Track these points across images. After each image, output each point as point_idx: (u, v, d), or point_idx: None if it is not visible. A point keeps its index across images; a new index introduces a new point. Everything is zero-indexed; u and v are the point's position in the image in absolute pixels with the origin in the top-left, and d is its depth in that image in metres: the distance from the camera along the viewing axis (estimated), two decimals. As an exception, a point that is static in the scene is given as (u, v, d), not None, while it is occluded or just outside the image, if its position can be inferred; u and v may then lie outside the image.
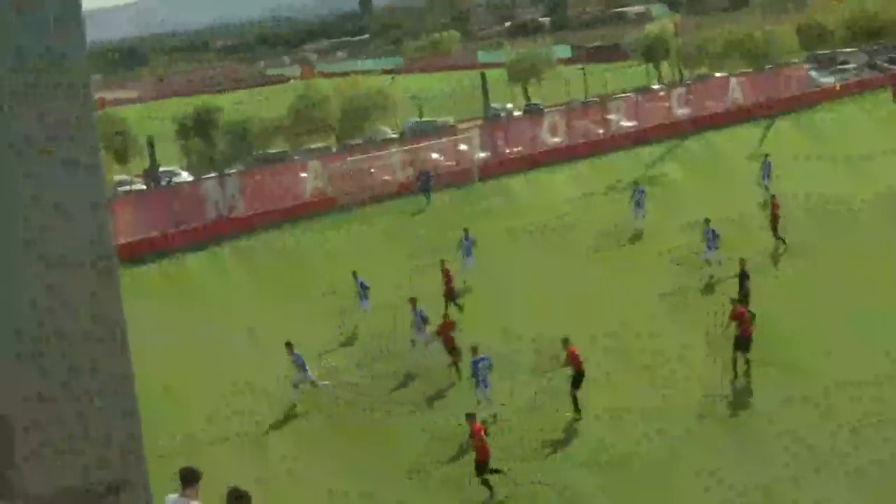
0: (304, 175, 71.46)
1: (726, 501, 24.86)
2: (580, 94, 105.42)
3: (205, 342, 41.08)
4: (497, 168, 74.56)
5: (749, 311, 36.05)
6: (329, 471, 28.64)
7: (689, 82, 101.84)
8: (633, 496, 26.27)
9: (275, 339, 36.92)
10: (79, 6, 2.92)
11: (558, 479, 27.31)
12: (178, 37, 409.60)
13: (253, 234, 62.65)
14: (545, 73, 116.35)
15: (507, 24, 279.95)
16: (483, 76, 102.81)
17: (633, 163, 69.84)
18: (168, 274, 56.28)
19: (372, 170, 72.49)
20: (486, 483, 27.17)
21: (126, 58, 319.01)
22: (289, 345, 35.00)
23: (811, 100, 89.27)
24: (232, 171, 77.59)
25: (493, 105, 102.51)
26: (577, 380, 30.60)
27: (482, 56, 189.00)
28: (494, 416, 31.41)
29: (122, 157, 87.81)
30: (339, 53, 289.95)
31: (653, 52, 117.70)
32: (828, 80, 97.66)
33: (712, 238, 42.45)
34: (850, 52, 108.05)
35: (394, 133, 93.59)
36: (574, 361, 30.57)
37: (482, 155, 77.09)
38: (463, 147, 77.32)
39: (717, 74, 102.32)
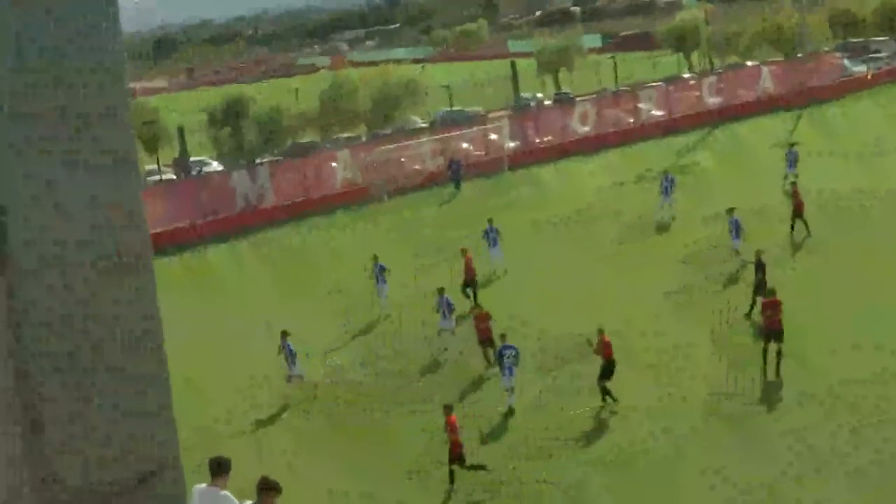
0: (334, 165, 71.50)
1: (731, 500, 24.77)
2: (610, 83, 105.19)
3: (224, 335, 41.27)
4: (527, 157, 74.40)
5: (755, 304, 36.08)
6: (329, 471, 28.65)
7: (720, 71, 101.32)
8: (638, 495, 26.20)
9: (295, 332, 37.07)
10: (81, 6, 2.96)
11: (563, 477, 27.23)
12: (207, 27, 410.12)
13: (283, 224, 62.72)
14: (575, 63, 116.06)
15: (538, 13, 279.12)
16: (513, 65, 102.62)
17: (664, 152, 69.48)
18: (191, 266, 56.27)
19: (402, 159, 72.48)
20: (451, 475, 27.29)
21: (156, 48, 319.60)
22: (284, 333, 34.93)
23: (843, 89, 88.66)
24: (262, 161, 77.80)
25: (523, 94, 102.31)
26: (606, 370, 30.55)
27: (512, 45, 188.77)
28: (511, 408, 31.49)
29: (151, 147, 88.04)
30: (369, 43, 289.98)
31: (683, 42, 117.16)
32: (860, 68, 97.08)
33: (738, 228, 42.41)
34: (882, 40, 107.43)
35: (424, 122, 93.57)
36: (606, 350, 30.53)
37: (512, 144, 76.93)
38: (493, 136, 77.24)
39: (749, 63, 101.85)
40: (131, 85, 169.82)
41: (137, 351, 3.25)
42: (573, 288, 41.20)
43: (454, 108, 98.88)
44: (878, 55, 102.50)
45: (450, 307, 37.76)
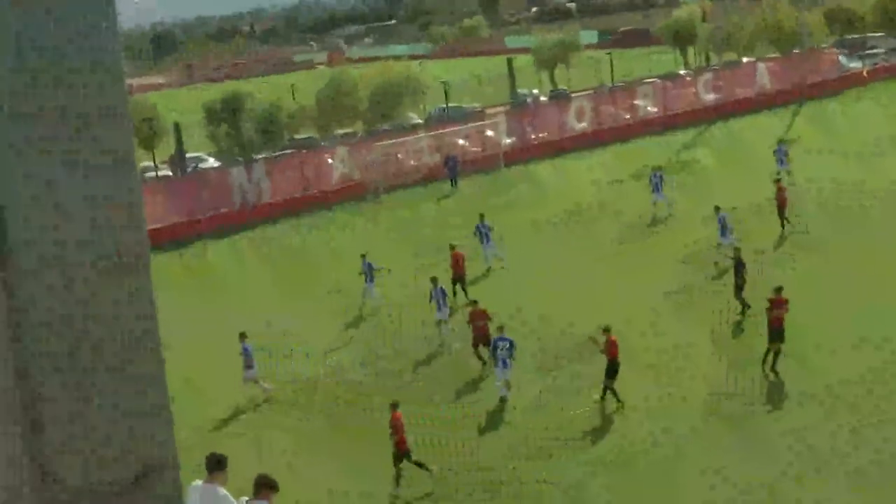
0: (331, 161, 71.54)
1: (731, 500, 24.86)
2: (607, 80, 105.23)
3: (224, 334, 41.31)
4: (523, 154, 74.49)
5: (745, 303, 36.11)
6: (329, 471, 28.70)
7: (716, 67, 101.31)
8: (638, 494, 26.28)
9: (295, 332, 37.14)
10: (81, 6, 2.96)
11: (563, 477, 27.34)
12: (207, 23, 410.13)
13: (278, 221, 62.75)
14: (572, 59, 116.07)
15: (535, 9, 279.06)
16: (509, 62, 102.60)
17: (661, 149, 69.58)
18: (190, 264, 56.29)
19: (399, 156, 72.56)
20: (398, 473, 27.64)
21: (154, 45, 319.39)
22: (243, 335, 34.90)
23: (840, 86, 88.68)
24: (259, 157, 77.81)
25: (519, 91, 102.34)
26: (611, 370, 30.51)
27: (510, 42, 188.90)
28: (503, 399, 31.58)
29: (148, 144, 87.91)
30: (367, 39, 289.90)
31: (680, 38, 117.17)
32: (856, 64, 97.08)
33: (726, 225, 42.77)
34: (878, 36, 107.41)
35: (420, 119, 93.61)
36: (611, 350, 30.47)
37: (508, 141, 77.03)
38: (489, 133, 77.30)
39: (745, 60, 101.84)
40: (129, 82, 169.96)
41: (138, 351, 3.25)
42: (573, 287, 41.26)
43: (451, 105, 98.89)
44: (875, 51, 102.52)
45: (444, 296, 38.06)
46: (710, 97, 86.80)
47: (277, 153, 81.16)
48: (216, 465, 15.07)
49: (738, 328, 35.77)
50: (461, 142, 75.25)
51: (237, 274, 53.10)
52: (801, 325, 31.58)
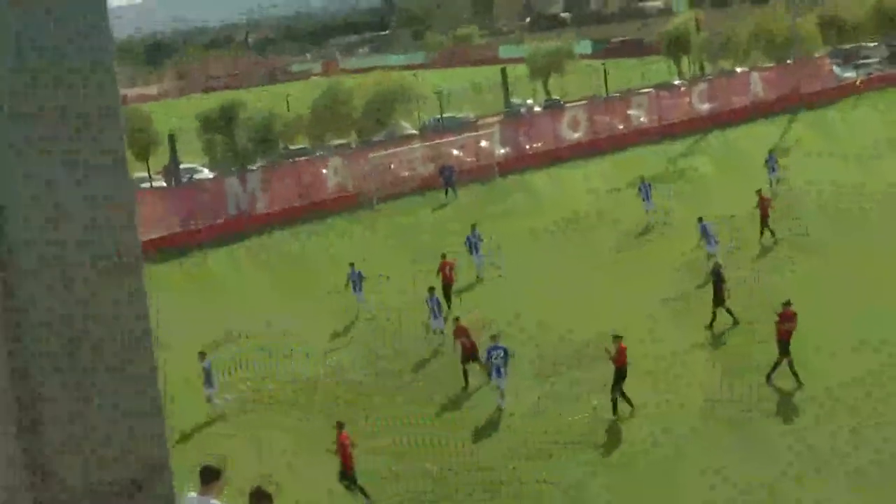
0: (325, 171, 71.63)
1: (731, 500, 24.92)
2: (601, 90, 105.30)
3: (224, 334, 41.47)
4: (518, 163, 74.60)
5: (722, 311, 36.12)
6: (329, 471, 28.73)
7: (710, 77, 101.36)
8: (638, 494, 26.36)
9: (295, 332, 37.14)
10: (81, 6, 2.96)
11: (563, 477, 27.39)
12: (203, 32, 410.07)
13: (274, 230, 62.86)
14: (567, 68, 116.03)
15: (528, 18, 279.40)
16: (503, 71, 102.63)
17: (657, 158, 69.81)
18: (191, 271, 56.49)
19: (392, 166, 72.67)
20: (349, 489, 27.46)
21: (148, 54, 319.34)
22: (202, 354, 34.73)
23: (833, 95, 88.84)
24: (254, 167, 77.81)
25: (513, 100, 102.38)
26: (618, 377, 30.39)
27: (504, 51, 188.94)
28: (499, 408, 31.61)
29: (142, 154, 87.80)
30: (361, 50, 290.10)
31: (675, 48, 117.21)
32: (850, 74, 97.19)
33: (708, 234, 43.00)
34: (872, 46, 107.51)
35: (414, 129, 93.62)
36: (620, 358, 30.36)
37: (503, 151, 77.11)
38: (484, 143, 77.37)
39: (739, 69, 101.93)
40: (124, 92, 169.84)
41: (137, 351, 3.24)
42: (571, 295, 41.33)
43: (445, 115, 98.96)
44: (869, 61, 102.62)
45: (439, 306, 38.23)
46: (705, 106, 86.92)
47: (273, 162, 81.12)
48: (211, 476, 14.93)
49: (733, 335, 35.78)
50: (455, 152, 75.32)
51: (237, 279, 53.33)
52: (800, 327, 31.55)
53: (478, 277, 46.38)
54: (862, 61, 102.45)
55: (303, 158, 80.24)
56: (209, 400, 34.81)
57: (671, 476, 26.66)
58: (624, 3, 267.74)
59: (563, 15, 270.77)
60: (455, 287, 43.15)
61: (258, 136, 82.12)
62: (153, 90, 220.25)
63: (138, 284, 3.07)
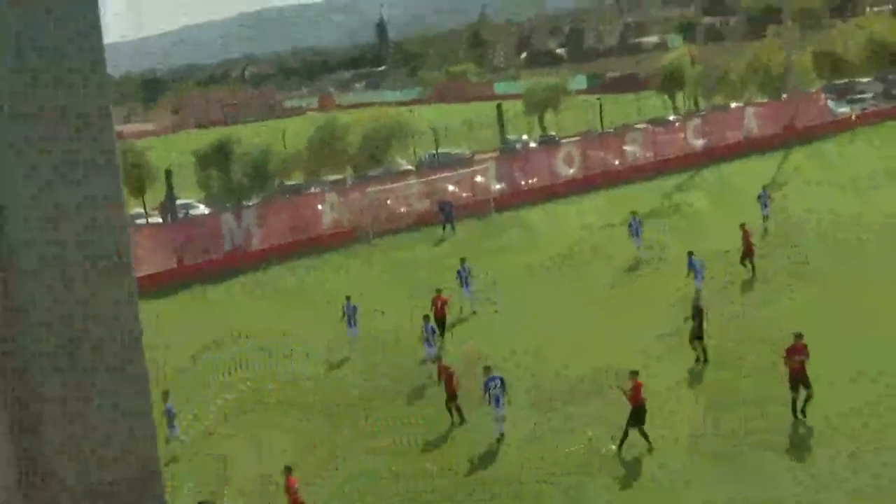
0: (321, 207, 71.73)
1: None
2: (597, 125, 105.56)
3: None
4: (514, 199, 74.73)
5: (701, 347, 36.08)
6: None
7: (703, 113, 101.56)
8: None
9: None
10: (81, 6, 2.98)
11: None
12: (199, 69, 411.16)
13: (270, 266, 62.97)
14: (562, 104, 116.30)
15: (524, 55, 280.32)
16: (499, 107, 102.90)
17: (652, 193, 70.00)
18: (189, 304, 56.86)
19: (388, 201, 72.80)
20: None
21: (145, 89, 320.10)
22: (165, 394, 33.66)
23: (828, 130, 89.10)
24: (249, 203, 77.83)
25: (509, 136, 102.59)
26: (636, 416, 30.06)
27: (499, 87, 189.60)
28: (502, 435, 31.56)
29: (138, 190, 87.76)
30: (357, 85, 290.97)
31: (670, 83, 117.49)
32: (844, 109, 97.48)
33: (696, 269, 43.12)
34: (866, 81, 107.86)
35: (410, 165, 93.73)
36: (636, 395, 30.11)
37: (498, 186, 77.24)
38: (479, 179, 77.49)
39: (733, 105, 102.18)
40: (120, 128, 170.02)
41: (137, 351, 3.26)
42: (567, 330, 41.34)
43: (440, 151, 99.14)
44: (863, 96, 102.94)
45: (434, 334, 38.27)
46: (700, 142, 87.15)
47: (268, 198, 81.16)
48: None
49: (727, 368, 35.68)
50: (451, 188, 75.45)
51: (236, 310, 53.35)
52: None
53: (472, 311, 46.38)
54: (856, 96, 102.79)
55: (301, 195, 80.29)
56: (168, 441, 34.17)
57: (672, 499, 26.77)
58: (620, 39, 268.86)
59: (558, 51, 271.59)
60: (449, 321, 43.20)
61: (254, 171, 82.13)
62: (150, 126, 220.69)
63: (133, 285, 3.08)
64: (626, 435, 29.89)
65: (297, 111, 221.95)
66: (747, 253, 46.34)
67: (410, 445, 30.74)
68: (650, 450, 29.71)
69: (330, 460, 30.12)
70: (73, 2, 3.12)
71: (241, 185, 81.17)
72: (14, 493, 3.20)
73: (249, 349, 41.72)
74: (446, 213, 68.43)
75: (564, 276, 51.18)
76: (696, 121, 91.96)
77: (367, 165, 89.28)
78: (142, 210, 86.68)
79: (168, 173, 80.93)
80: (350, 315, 42.98)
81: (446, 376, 33.81)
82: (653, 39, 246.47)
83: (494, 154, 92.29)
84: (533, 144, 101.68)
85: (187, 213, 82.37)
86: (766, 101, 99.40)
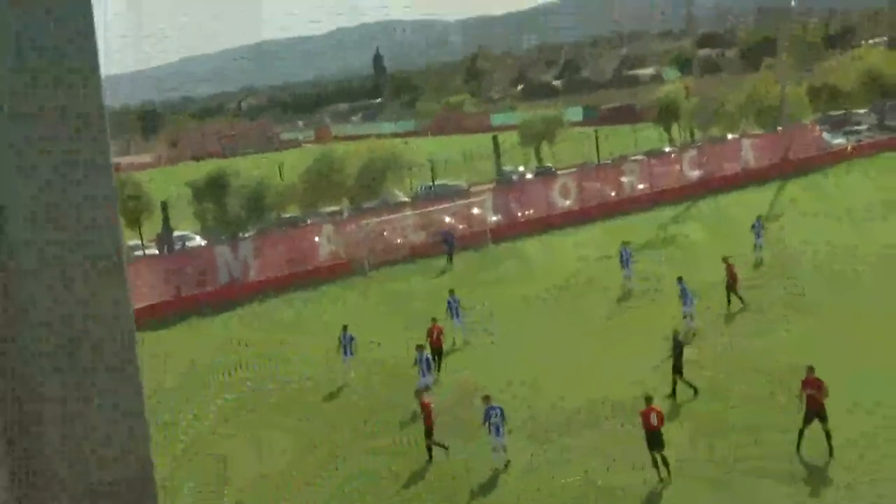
0: (317, 239, 71.83)
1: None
2: (593, 157, 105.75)
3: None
4: (510, 231, 74.87)
5: (683, 381, 36.02)
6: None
7: (699, 144, 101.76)
8: None
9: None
10: (81, 6, 2.98)
11: None
12: (195, 102, 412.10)
13: (266, 298, 63.06)
14: (558, 135, 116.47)
15: (520, 87, 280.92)
16: (495, 139, 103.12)
17: (648, 225, 70.21)
18: (185, 334, 56.85)
19: (385, 233, 72.90)
20: None
21: (142, 121, 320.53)
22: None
23: (823, 162, 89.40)
24: (246, 235, 77.86)
25: (505, 168, 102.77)
26: (651, 440, 30.00)
27: (496, 119, 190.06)
28: (508, 462, 31.53)
29: (135, 222, 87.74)
30: (354, 117, 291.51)
31: (666, 114, 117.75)
32: (839, 140, 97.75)
33: (686, 295, 43.49)
34: (861, 113, 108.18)
35: (406, 197, 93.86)
36: (645, 420, 30.09)
37: (495, 218, 77.37)
38: (476, 210, 77.61)
39: (729, 136, 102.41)
40: (117, 160, 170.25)
41: (134, 351, 3.26)
42: (563, 362, 41.35)
43: (437, 182, 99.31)
44: (859, 128, 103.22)
45: (428, 364, 38.33)
46: (696, 173, 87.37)
47: (265, 230, 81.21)
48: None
49: (720, 399, 35.64)
50: (448, 219, 75.57)
51: (235, 339, 53.44)
52: (795, 388, 31.49)
53: (465, 342, 46.36)
54: (851, 128, 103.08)
55: (297, 227, 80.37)
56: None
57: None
58: (616, 71, 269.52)
59: (555, 83, 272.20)
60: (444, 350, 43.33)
61: (250, 203, 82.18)
62: (147, 158, 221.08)
63: (117, 286, 3.08)
64: (660, 460, 29.80)
65: (295, 143, 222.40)
66: (731, 285, 46.39)
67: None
68: (668, 479, 29.67)
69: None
70: (72, 2, 3.13)
71: (238, 217, 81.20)
72: (13, 494, 3.19)
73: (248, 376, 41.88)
74: (450, 244, 68.45)
75: (560, 308, 51.22)
76: (692, 152, 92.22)
77: (364, 197, 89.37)
78: (139, 241, 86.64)
79: (164, 205, 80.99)
80: (346, 345, 43.03)
81: (426, 411, 33.68)
82: (649, 71, 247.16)
83: (491, 185, 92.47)
84: (529, 176, 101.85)
85: (184, 244, 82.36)
86: (762, 132, 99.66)
